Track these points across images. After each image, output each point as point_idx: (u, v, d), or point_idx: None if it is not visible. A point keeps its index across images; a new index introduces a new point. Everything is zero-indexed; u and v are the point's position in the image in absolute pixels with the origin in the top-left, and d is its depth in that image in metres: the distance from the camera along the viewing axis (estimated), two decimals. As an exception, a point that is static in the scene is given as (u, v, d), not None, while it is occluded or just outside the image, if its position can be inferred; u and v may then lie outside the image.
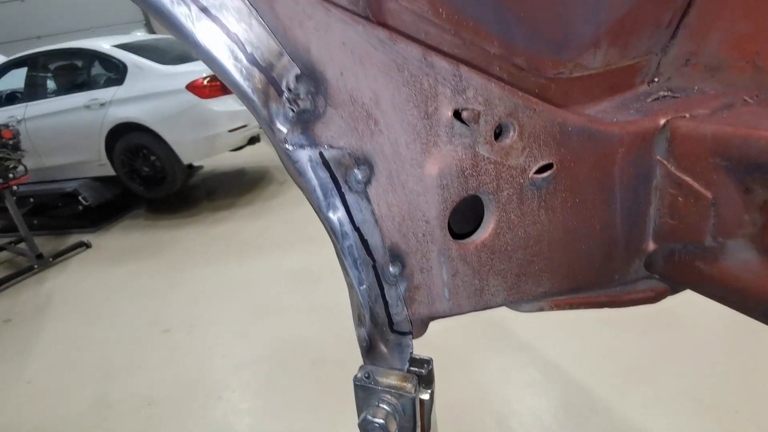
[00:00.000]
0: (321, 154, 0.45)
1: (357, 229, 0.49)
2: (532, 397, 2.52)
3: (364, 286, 0.51)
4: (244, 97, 0.42)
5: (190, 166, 6.07)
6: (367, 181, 0.48)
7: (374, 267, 0.51)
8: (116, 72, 5.35)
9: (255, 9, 0.40)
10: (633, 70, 0.73)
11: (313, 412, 2.64)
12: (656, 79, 0.76)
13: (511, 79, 0.60)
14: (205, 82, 5.00)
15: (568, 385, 2.58)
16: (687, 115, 0.60)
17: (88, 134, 5.34)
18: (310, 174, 0.46)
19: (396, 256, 0.52)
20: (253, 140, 5.98)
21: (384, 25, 0.49)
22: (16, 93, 6.05)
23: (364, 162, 0.47)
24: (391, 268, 0.52)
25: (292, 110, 0.43)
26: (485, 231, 0.56)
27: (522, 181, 0.55)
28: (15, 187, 4.61)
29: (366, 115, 0.46)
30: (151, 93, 5.11)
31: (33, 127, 5.49)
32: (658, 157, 0.60)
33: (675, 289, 0.67)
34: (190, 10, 0.39)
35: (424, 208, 0.51)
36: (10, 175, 4.53)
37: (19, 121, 5.42)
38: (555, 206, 0.58)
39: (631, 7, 0.66)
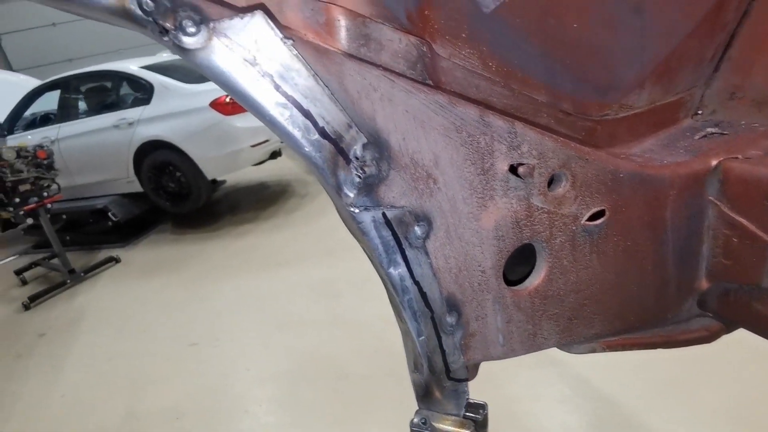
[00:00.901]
0: (384, 214, 0.47)
1: (417, 282, 0.50)
2: (562, 414, 2.48)
3: (423, 337, 0.53)
4: (314, 166, 0.44)
5: (214, 181, 6.20)
6: (426, 237, 0.50)
7: (432, 318, 0.52)
8: (143, 92, 5.53)
9: (327, 86, 0.42)
10: (677, 105, 0.73)
11: (338, 426, 2.65)
12: (700, 112, 0.76)
13: (559, 124, 0.61)
14: (228, 100, 5.11)
15: (600, 401, 2.53)
16: (739, 156, 0.60)
17: (117, 152, 5.52)
18: (374, 233, 0.47)
19: (452, 305, 0.53)
20: (275, 155, 6.08)
21: (439, 84, 0.51)
22: (50, 115, 6.31)
23: (424, 218, 0.49)
24: (448, 318, 0.53)
25: (359, 176, 0.45)
26: (538, 277, 0.57)
27: (574, 228, 0.56)
28: (49, 205, 4.78)
29: (426, 175, 0.48)
30: (176, 111, 5.25)
31: (66, 147, 5.70)
32: (710, 197, 0.60)
33: (730, 328, 0.66)
34: (268, 91, 0.41)
35: (480, 258, 0.53)
36: (45, 194, 4.70)
37: (52, 142, 5.64)
38: (607, 250, 0.59)
39: (675, 47, 0.67)
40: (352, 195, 0.45)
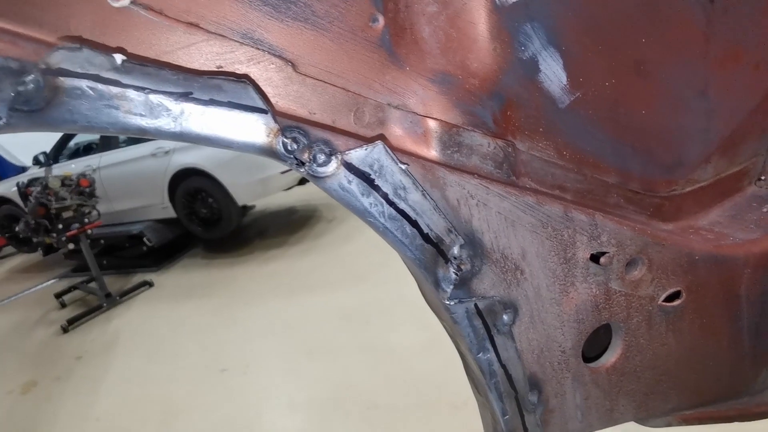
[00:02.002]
0: (476, 304, 0.51)
1: (503, 366, 0.53)
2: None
3: (507, 416, 0.55)
4: (416, 267, 0.48)
5: (243, 207, 6.37)
6: (512, 323, 0.53)
7: (516, 398, 0.54)
8: (180, 122, 5.78)
9: (432, 199, 0.46)
10: (741, 174, 0.74)
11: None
12: (763, 178, 0.77)
13: (628, 202, 0.64)
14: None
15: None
16: None
17: (154, 180, 5.75)
18: (466, 323, 0.51)
19: (534, 384, 0.55)
20: (303, 180, 6.21)
21: (519, 175, 0.55)
22: (93, 144, 6.65)
23: (510, 306, 0.52)
24: (530, 397, 0.55)
25: (456, 274, 0.49)
26: (614, 354, 0.59)
27: (651, 308, 0.57)
28: (89, 231, 4.99)
29: (514, 267, 0.51)
30: (210, 140, 5.46)
31: (106, 175, 5.97)
32: None
33: (807, 402, 0.65)
34: (383, 207, 0.46)
35: (560, 340, 0.55)
36: (86, 220, 4.92)
37: (94, 170, 5.93)
38: (682, 328, 0.60)
39: (739, 122, 0.69)
40: (449, 290, 0.49)
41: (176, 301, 5.06)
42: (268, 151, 0.44)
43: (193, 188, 5.68)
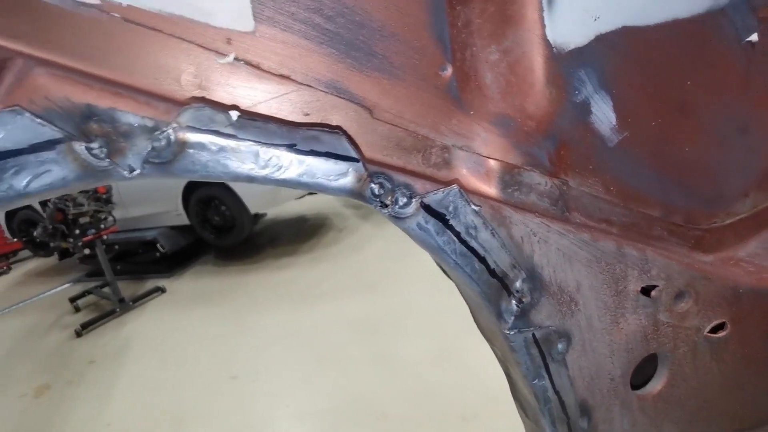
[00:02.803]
0: (533, 334, 0.54)
1: (557, 392, 0.56)
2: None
3: (560, 441, 0.57)
4: (481, 299, 0.51)
5: (255, 215, 6.43)
6: (566, 351, 0.56)
7: (568, 423, 0.57)
8: (195, 130, 5.88)
9: (499, 237, 0.50)
10: None
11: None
12: None
13: (671, 235, 0.66)
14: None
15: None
16: None
17: (168, 187, 5.83)
18: (524, 351, 0.54)
19: (585, 410, 0.58)
20: (314, 190, 6.27)
21: (569, 210, 0.58)
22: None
23: (564, 335, 0.56)
24: (581, 423, 0.58)
25: (518, 306, 0.52)
26: (660, 383, 0.61)
27: (696, 339, 0.60)
28: (105, 237, 5.07)
29: (569, 299, 0.54)
30: (225, 149, 5.55)
31: (122, 182, 6.06)
32: None
33: None
34: (455, 245, 0.50)
35: (610, 368, 0.58)
36: (102, 226, 5.00)
37: (110, 176, 6.02)
38: (726, 358, 0.62)
39: None
40: (510, 321, 0.53)
41: (188, 307, 5.11)
42: (357, 195, 0.49)
43: (207, 196, 5.75)
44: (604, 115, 0.57)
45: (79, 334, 4.72)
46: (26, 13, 0.40)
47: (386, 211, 0.49)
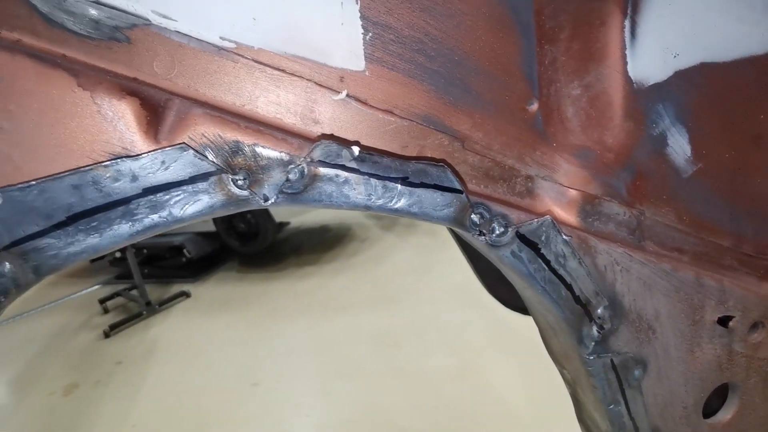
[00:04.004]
0: (612, 360, 0.55)
1: (632, 418, 0.57)
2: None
3: (635, 467, 0.58)
4: (563, 324, 0.53)
5: (279, 223, 6.53)
6: (642, 378, 0.56)
7: (643, 449, 0.58)
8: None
9: (585, 265, 0.52)
10: None
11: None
12: None
13: (741, 264, 0.66)
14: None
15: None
16: None
17: (196, 193, 5.97)
18: (602, 376, 0.56)
19: None
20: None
21: (643, 239, 0.59)
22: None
23: (641, 362, 0.57)
24: (654, 449, 0.58)
25: (599, 332, 0.54)
26: (730, 412, 0.62)
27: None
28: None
29: (647, 327, 0.56)
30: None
31: (152, 187, 6.25)
32: None
33: None
34: (544, 273, 0.53)
35: (683, 396, 0.58)
36: (133, 230, 5.14)
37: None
38: (797, 390, 0.62)
39: None
40: (590, 347, 0.54)
41: (211, 312, 5.19)
42: (458, 224, 0.52)
43: (233, 203, 5.87)
44: (679, 147, 0.59)
45: (107, 335, 4.84)
46: (180, 60, 0.44)
47: (483, 239, 0.52)
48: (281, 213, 6.05)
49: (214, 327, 4.88)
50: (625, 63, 0.54)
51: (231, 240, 6.06)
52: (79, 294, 6.09)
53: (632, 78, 0.55)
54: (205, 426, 3.41)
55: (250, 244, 6.00)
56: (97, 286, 6.32)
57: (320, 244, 6.92)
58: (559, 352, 0.60)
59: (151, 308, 5.19)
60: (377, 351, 4.03)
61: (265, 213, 5.73)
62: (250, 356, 4.25)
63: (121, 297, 5.55)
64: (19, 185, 0.37)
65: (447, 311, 4.53)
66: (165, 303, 5.35)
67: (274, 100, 0.47)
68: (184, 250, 5.97)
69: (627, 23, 0.53)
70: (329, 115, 0.49)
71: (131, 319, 5.04)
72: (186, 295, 5.56)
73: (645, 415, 0.58)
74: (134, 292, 5.39)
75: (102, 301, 5.48)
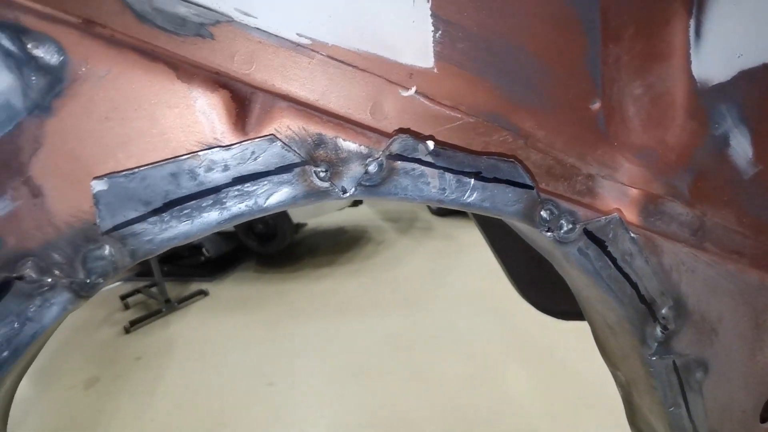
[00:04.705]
0: (674, 361, 0.55)
1: (692, 421, 0.56)
2: None
3: (695, 470, 0.58)
4: (626, 323, 0.53)
5: (297, 224, 6.58)
6: (703, 380, 0.56)
7: (703, 452, 0.57)
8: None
9: (650, 264, 0.52)
10: None
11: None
12: None
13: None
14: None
15: None
16: None
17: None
18: (663, 377, 0.55)
19: None
20: (357, 202, 6.37)
21: (704, 240, 0.59)
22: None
23: (702, 364, 0.57)
24: (713, 452, 0.58)
25: (662, 332, 0.54)
26: None
27: None
28: (156, 239, 5.30)
29: (710, 329, 0.56)
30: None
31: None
32: None
33: None
34: (610, 271, 0.53)
35: (743, 400, 0.58)
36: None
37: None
38: None
39: None
40: (653, 347, 0.54)
41: (229, 311, 5.24)
42: (528, 219, 0.52)
43: (252, 204, 5.94)
44: (741, 148, 0.58)
45: (127, 331, 4.92)
46: (259, 55, 0.46)
47: (551, 236, 0.53)
48: (298, 214, 6.08)
49: (231, 326, 4.93)
50: (689, 63, 0.55)
51: (249, 240, 6.13)
52: (101, 290, 6.20)
53: (695, 78, 0.55)
54: (222, 423, 3.45)
55: (268, 245, 6.06)
56: (118, 283, 6.44)
57: (336, 246, 6.95)
58: (615, 353, 0.60)
59: (170, 306, 5.26)
60: (392, 354, 4.03)
61: (283, 214, 5.79)
62: (265, 356, 4.28)
63: (142, 294, 5.65)
64: (124, 172, 0.39)
65: (463, 317, 4.51)
66: (184, 301, 5.42)
67: (345, 95, 0.48)
68: (203, 249, 6.05)
69: (692, 23, 0.53)
70: (397, 110, 0.50)
71: (151, 315, 5.12)
72: (204, 293, 5.63)
73: (705, 418, 0.58)
74: (154, 289, 5.48)
75: (123, 298, 5.58)
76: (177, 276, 6.26)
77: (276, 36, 0.46)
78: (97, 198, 0.39)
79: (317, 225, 7.99)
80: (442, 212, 7.44)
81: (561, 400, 3.22)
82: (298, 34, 0.47)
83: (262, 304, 5.31)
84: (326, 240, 7.48)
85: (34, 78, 0.37)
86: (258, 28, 0.46)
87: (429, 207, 7.74)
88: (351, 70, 0.49)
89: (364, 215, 7.95)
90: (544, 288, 1.31)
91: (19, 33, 0.36)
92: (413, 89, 0.50)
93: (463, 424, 3.13)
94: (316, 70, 0.48)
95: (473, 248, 6.01)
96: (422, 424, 3.12)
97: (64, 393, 4.08)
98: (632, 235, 0.55)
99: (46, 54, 0.37)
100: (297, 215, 5.88)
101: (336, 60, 0.48)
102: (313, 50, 0.47)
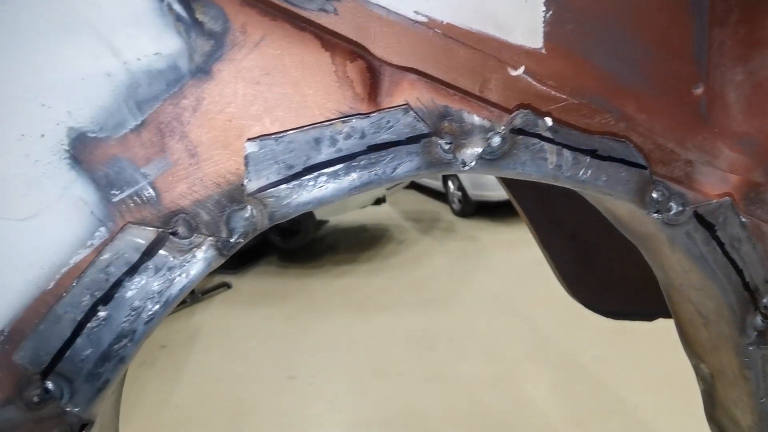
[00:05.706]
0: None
1: None
2: None
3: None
4: (726, 310, 0.53)
5: (319, 221, 6.63)
6: None
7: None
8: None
9: (758, 251, 0.52)
10: None
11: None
12: None
13: None
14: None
15: None
16: None
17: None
18: (758, 368, 0.55)
19: None
20: (379, 201, 6.39)
21: None
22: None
23: None
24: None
25: (763, 321, 0.53)
26: None
27: None
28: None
29: None
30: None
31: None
32: None
33: None
34: (716, 255, 0.54)
35: None
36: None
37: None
38: None
39: None
40: (752, 336, 0.54)
41: (251, 305, 5.31)
42: (639, 200, 0.53)
43: (276, 199, 6.01)
44: None
45: (153, 319, 5.02)
46: (379, 30, 0.47)
47: (660, 217, 0.53)
48: (320, 211, 6.13)
49: (254, 318, 5.00)
50: None
51: (272, 235, 6.20)
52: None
53: None
54: (243, 413, 3.49)
55: (290, 240, 6.12)
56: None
57: (357, 245, 6.98)
58: (704, 344, 0.59)
59: (194, 296, 5.35)
60: (412, 353, 4.02)
61: (308, 211, 5.84)
62: (287, 349, 4.32)
63: (167, 284, 5.76)
64: (274, 135, 0.41)
65: (484, 318, 4.48)
66: (207, 292, 5.51)
67: (458, 71, 0.49)
68: (227, 242, 6.15)
69: (795, 11, 0.53)
70: (505, 89, 0.51)
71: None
72: (227, 286, 5.72)
73: None
74: (179, 279, 5.58)
75: (149, 287, 5.70)
76: (201, 267, 6.36)
77: (395, 12, 0.48)
78: (247, 159, 0.41)
79: (338, 222, 8.03)
80: (465, 213, 7.40)
81: (583, 406, 3.18)
82: (415, 12, 0.48)
83: (283, 298, 5.37)
84: (347, 238, 7.51)
85: (199, 42, 0.39)
86: (378, 4, 0.47)
87: (452, 207, 7.71)
88: (464, 48, 0.50)
89: (385, 214, 7.96)
90: (593, 286, 1.30)
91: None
92: (522, 68, 0.51)
93: (482, 426, 3.11)
94: (432, 46, 0.49)
95: (495, 250, 5.96)
96: (441, 424, 3.11)
97: (92, 377, 4.19)
98: (743, 219, 0.54)
99: (211, 20, 0.39)
100: (319, 212, 5.92)
101: (449, 38, 0.49)
102: (429, 27, 0.48)
